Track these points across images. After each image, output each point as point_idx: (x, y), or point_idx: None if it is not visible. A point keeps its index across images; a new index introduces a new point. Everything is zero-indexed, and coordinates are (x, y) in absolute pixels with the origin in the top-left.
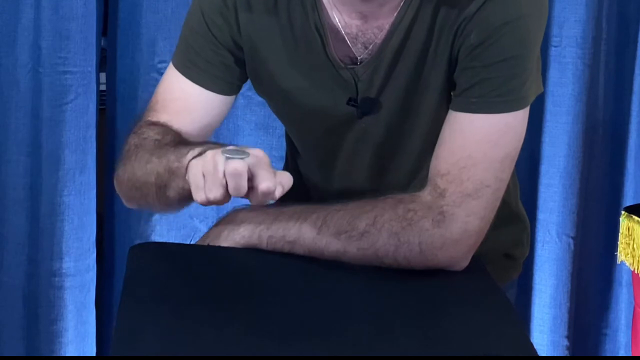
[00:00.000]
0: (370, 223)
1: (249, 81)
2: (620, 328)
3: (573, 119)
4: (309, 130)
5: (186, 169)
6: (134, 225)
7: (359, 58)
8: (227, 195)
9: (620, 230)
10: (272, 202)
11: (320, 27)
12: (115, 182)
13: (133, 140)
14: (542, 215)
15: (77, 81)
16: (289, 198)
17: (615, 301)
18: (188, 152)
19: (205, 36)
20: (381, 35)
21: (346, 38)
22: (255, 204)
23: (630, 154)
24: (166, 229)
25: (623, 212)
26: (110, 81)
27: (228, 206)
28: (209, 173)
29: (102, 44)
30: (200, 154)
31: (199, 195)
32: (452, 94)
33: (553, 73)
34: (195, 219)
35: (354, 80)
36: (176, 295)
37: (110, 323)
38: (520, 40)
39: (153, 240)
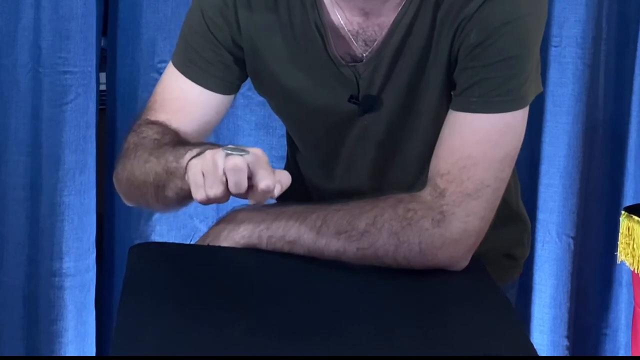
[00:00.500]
0: (370, 223)
1: (249, 81)
2: (620, 328)
3: (573, 119)
4: (310, 129)
5: (185, 169)
6: (134, 225)
7: (360, 56)
8: (227, 193)
9: (620, 230)
10: (271, 200)
11: (321, 25)
12: (114, 180)
13: (132, 139)
14: (542, 215)
15: (77, 81)
16: (290, 198)
17: (615, 301)
18: (186, 152)
19: (205, 35)
20: (382, 33)
21: (347, 36)
22: (255, 203)
23: (630, 154)
24: (166, 229)
25: (623, 212)
26: (110, 81)
27: (228, 206)
28: (208, 171)
29: (102, 44)
30: (199, 154)
31: (199, 194)
32: (452, 93)
33: (553, 73)
34: (195, 219)
35: (356, 78)
36: (176, 295)
37: (110, 323)
38: (520, 40)
39: (153, 240)
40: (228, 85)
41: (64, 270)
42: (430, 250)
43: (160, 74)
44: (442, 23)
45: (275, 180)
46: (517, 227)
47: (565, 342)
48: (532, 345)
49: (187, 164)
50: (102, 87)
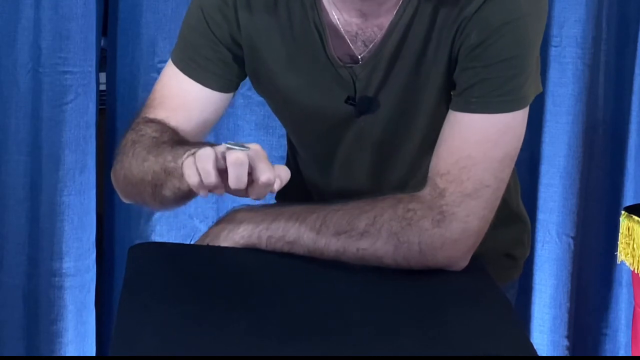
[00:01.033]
0: (370, 223)
1: (248, 81)
2: (620, 328)
3: (573, 119)
4: (308, 129)
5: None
6: (134, 225)
7: (359, 56)
8: (225, 184)
9: (620, 230)
10: (271, 199)
11: (320, 26)
12: (112, 176)
13: (130, 136)
14: (542, 215)
15: (77, 81)
16: (290, 198)
17: (615, 301)
18: (185, 152)
19: (205, 33)
20: (381, 34)
21: (346, 37)
22: (255, 198)
23: (630, 154)
24: (166, 229)
25: (623, 212)
26: (110, 81)
27: (228, 206)
28: (200, 157)
29: (102, 44)
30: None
31: (192, 181)
32: (451, 93)
33: (553, 73)
34: (195, 219)
35: (352, 79)
36: (176, 295)
37: (110, 323)
38: (520, 41)
39: (153, 240)
40: (227, 83)
41: (64, 270)
42: (430, 250)
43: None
44: (442, 24)
45: (275, 174)
46: (517, 227)
47: (565, 342)
48: (532, 345)
49: (183, 162)
50: (102, 87)
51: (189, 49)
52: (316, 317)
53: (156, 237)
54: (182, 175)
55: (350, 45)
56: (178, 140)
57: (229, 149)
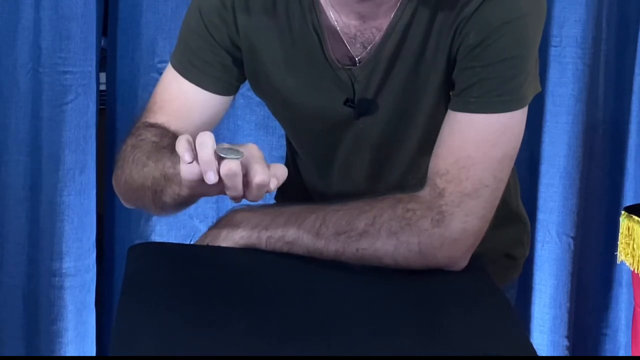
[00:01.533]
0: (370, 223)
1: (248, 82)
2: (620, 328)
3: (573, 119)
4: (307, 131)
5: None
6: (134, 225)
7: (357, 58)
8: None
9: (620, 230)
10: (271, 199)
11: (318, 28)
12: (113, 182)
13: (131, 141)
14: (542, 215)
15: (77, 81)
16: (289, 199)
17: (615, 301)
18: None
19: (204, 36)
20: (379, 36)
21: (344, 38)
22: (252, 200)
23: (630, 154)
24: (166, 229)
25: (623, 212)
26: (110, 81)
27: (228, 206)
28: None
29: (102, 44)
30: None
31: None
32: (450, 93)
33: (553, 73)
34: (195, 219)
35: (351, 81)
36: (175, 295)
37: (110, 323)
38: (519, 40)
39: (153, 240)
40: (227, 86)
41: (64, 270)
42: (429, 250)
43: (161, 74)
44: (441, 24)
45: (269, 174)
46: (517, 227)
47: (565, 342)
48: (531, 345)
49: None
50: (102, 87)
51: (188, 53)
52: (316, 317)
53: (156, 237)
54: (181, 182)
55: (349, 47)
56: None
57: (222, 158)
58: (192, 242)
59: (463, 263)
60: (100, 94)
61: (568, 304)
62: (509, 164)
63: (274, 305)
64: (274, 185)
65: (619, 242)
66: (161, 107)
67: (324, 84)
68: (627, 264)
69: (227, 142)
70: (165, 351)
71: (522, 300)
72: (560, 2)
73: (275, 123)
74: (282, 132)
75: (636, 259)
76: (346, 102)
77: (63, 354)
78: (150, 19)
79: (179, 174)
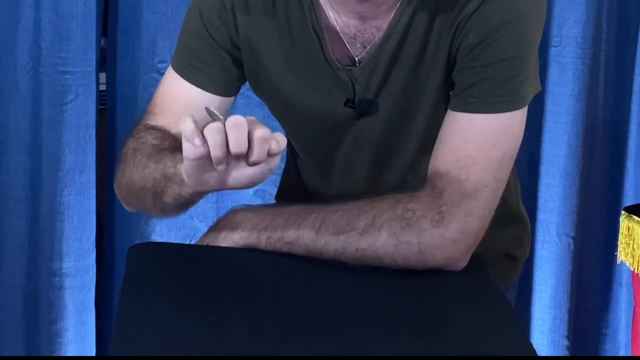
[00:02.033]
0: (369, 223)
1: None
2: (620, 328)
3: (573, 119)
4: (307, 132)
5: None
6: (134, 225)
7: (357, 58)
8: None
9: (620, 230)
10: (271, 200)
11: (318, 28)
12: (115, 186)
13: (131, 144)
14: (542, 215)
15: (77, 81)
16: (290, 199)
17: (615, 301)
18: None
19: (204, 38)
20: (379, 36)
21: (344, 39)
22: (255, 160)
23: (630, 154)
24: (166, 229)
25: (623, 212)
26: (110, 81)
27: (228, 206)
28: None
29: (102, 44)
30: None
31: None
32: (450, 93)
33: (553, 73)
34: (195, 219)
35: (351, 82)
36: (176, 295)
37: (110, 323)
38: (519, 40)
39: (153, 240)
40: (227, 87)
41: (64, 270)
42: (429, 250)
43: (161, 74)
44: (440, 24)
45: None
46: (517, 227)
47: (565, 342)
48: (531, 345)
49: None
50: (102, 87)
51: (188, 54)
52: (316, 317)
53: (156, 237)
54: (182, 181)
55: (349, 47)
56: (178, 147)
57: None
58: (192, 242)
59: (463, 263)
60: (100, 94)
61: (568, 304)
62: (509, 164)
63: (273, 305)
64: (275, 146)
65: (619, 242)
66: (162, 109)
67: (324, 84)
68: (627, 264)
69: None
70: (165, 351)
71: (522, 300)
72: (560, 2)
73: (276, 123)
74: (282, 132)
75: (636, 259)
76: (346, 102)
77: (63, 354)
78: (150, 19)
79: (179, 173)
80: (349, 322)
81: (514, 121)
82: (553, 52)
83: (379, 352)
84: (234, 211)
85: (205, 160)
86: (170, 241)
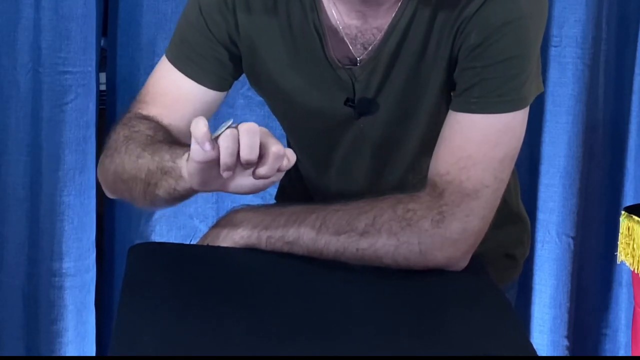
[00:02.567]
0: (370, 223)
1: (248, 82)
2: (620, 328)
3: (573, 119)
4: (307, 130)
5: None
6: (134, 225)
7: (358, 58)
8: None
9: (620, 230)
10: (271, 200)
11: (319, 27)
12: (98, 170)
13: (123, 131)
14: (542, 215)
15: (77, 81)
16: (290, 199)
17: (615, 301)
18: (184, 153)
19: (202, 31)
20: (380, 36)
21: (345, 38)
22: (264, 174)
23: (630, 154)
24: (166, 229)
25: (623, 212)
26: (110, 81)
27: (228, 206)
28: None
29: (102, 44)
30: None
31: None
32: (451, 94)
33: (553, 73)
34: (195, 219)
35: (351, 81)
36: (176, 295)
37: (110, 323)
38: (521, 41)
39: (153, 240)
40: (221, 81)
41: (64, 270)
42: (429, 250)
43: None
44: (442, 24)
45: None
46: (517, 227)
47: (565, 342)
48: (531, 345)
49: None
50: (102, 87)
51: (185, 46)
52: (316, 317)
53: (156, 237)
54: (179, 177)
55: (350, 46)
56: (173, 141)
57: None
58: (192, 242)
59: (463, 263)
60: (100, 94)
61: (568, 304)
62: (510, 165)
63: (273, 305)
64: (285, 162)
65: (619, 242)
66: (154, 98)
67: (324, 83)
68: (627, 264)
69: None
70: (165, 351)
71: (522, 300)
72: (560, 2)
73: (276, 123)
74: (282, 132)
75: (636, 259)
76: (346, 101)
77: (63, 354)
78: (150, 19)
79: (178, 168)
80: (348, 322)
81: (516, 121)
82: (553, 52)
83: (379, 352)
84: (234, 211)
85: (212, 164)
86: (170, 241)
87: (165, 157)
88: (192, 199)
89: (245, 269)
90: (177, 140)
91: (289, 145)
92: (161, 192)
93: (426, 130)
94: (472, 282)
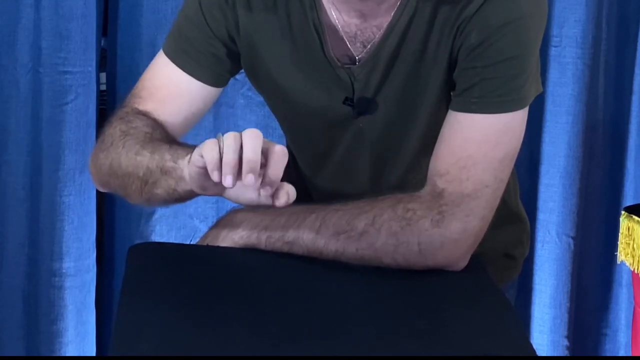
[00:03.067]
0: (369, 223)
1: (249, 82)
2: (620, 328)
3: (573, 119)
4: (306, 129)
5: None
6: (134, 225)
7: (357, 57)
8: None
9: (620, 230)
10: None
11: (319, 26)
12: (90, 163)
13: (119, 126)
14: (542, 215)
15: (77, 81)
16: None
17: (615, 301)
18: (186, 154)
19: (201, 26)
20: (379, 35)
21: (344, 37)
22: (271, 175)
23: (630, 154)
24: (166, 229)
25: (623, 212)
26: (110, 81)
27: (228, 206)
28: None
29: (102, 44)
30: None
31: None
32: (451, 94)
33: (553, 73)
34: (195, 219)
35: (351, 80)
36: (176, 295)
37: (110, 323)
38: (521, 41)
39: (153, 240)
40: (218, 77)
41: (64, 270)
42: (429, 250)
43: None
44: (442, 24)
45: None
46: (516, 227)
47: (565, 342)
48: (531, 345)
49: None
50: (102, 87)
51: (183, 42)
52: (316, 317)
53: (156, 237)
54: (180, 178)
55: (349, 45)
56: (172, 140)
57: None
58: (192, 242)
59: (462, 263)
60: (100, 94)
61: (568, 304)
62: (510, 165)
63: (274, 305)
64: (283, 200)
65: (619, 242)
66: (151, 93)
67: (323, 82)
68: (627, 264)
69: None
70: (165, 351)
71: (522, 300)
72: (560, 2)
73: (276, 123)
74: (283, 132)
75: (636, 259)
76: (345, 100)
77: (63, 354)
78: (150, 19)
79: (179, 169)
80: (348, 322)
81: (515, 121)
82: (553, 52)
83: (378, 352)
84: (234, 211)
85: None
86: (170, 241)
87: (165, 157)
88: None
89: (245, 269)
90: (175, 140)
91: (289, 145)
92: (160, 191)
93: (426, 130)
94: (472, 282)
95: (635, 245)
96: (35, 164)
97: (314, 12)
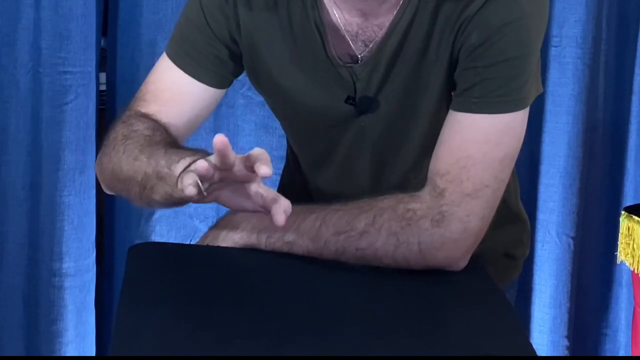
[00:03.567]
0: (370, 223)
1: (248, 81)
2: (620, 328)
3: (573, 119)
4: (308, 128)
5: (177, 177)
6: (134, 225)
7: (359, 56)
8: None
9: (620, 230)
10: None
11: (320, 25)
12: (96, 166)
13: (121, 129)
14: (542, 215)
15: (77, 81)
16: (290, 198)
17: (615, 301)
18: (180, 160)
19: (202, 28)
20: (381, 34)
21: (346, 36)
22: (263, 172)
23: (630, 154)
24: (166, 229)
25: (623, 212)
26: (110, 81)
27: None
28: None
29: (102, 44)
30: (193, 162)
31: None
32: (452, 94)
33: (553, 73)
34: (195, 219)
35: (352, 79)
36: (175, 295)
37: (110, 323)
38: (522, 41)
39: (153, 240)
40: (221, 79)
41: (64, 270)
42: (429, 250)
43: None
44: (443, 24)
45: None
46: (516, 227)
47: (565, 342)
48: (531, 345)
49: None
50: (102, 87)
51: (185, 44)
52: (316, 317)
53: (156, 237)
54: (175, 184)
55: (351, 44)
56: (170, 142)
57: None
58: (192, 242)
59: (463, 263)
60: (100, 94)
61: (568, 304)
62: (510, 165)
63: (274, 305)
64: (281, 218)
65: (619, 242)
66: (154, 96)
67: (325, 81)
68: (627, 264)
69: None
70: (165, 351)
71: (522, 300)
72: (560, 2)
73: (276, 123)
74: (283, 132)
75: (636, 259)
76: (347, 99)
77: (63, 354)
78: (150, 19)
79: (174, 175)
80: (348, 322)
81: (516, 122)
82: (553, 52)
83: (378, 352)
84: (234, 211)
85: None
86: (170, 241)
87: (161, 163)
88: None
89: (245, 269)
90: (174, 142)
91: (289, 145)
92: (157, 197)
93: (427, 130)
94: (472, 282)
95: (635, 245)
96: (35, 164)
97: (316, 11)
